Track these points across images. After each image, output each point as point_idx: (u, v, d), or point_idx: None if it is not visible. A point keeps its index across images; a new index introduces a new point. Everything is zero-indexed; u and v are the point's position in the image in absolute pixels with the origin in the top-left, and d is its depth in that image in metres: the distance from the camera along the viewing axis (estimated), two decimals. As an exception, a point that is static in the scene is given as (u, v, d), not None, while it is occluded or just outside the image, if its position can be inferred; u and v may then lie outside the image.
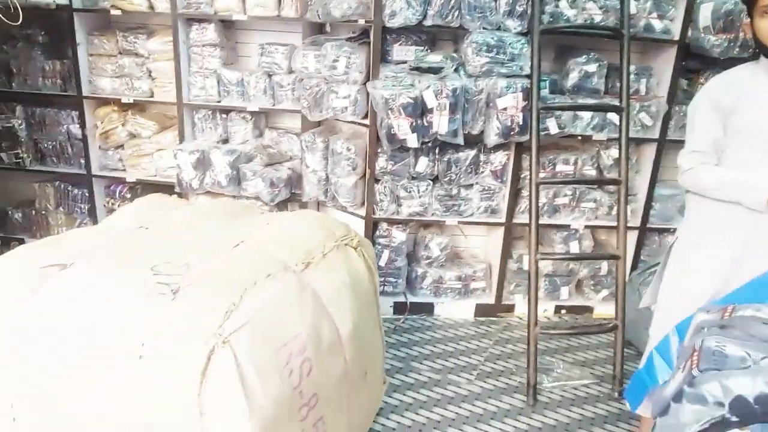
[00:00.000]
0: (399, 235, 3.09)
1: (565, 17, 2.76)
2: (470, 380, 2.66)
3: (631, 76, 2.84)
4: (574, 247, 3.19)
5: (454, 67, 2.79)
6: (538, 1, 2.57)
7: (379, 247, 3.07)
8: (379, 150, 2.93)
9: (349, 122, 3.02)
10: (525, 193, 3.06)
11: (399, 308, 3.19)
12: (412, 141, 2.75)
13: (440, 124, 2.73)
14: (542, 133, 2.74)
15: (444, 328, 3.12)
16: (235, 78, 3.16)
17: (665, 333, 1.62)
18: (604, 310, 3.28)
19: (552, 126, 2.87)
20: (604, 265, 3.25)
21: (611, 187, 3.10)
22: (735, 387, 1.08)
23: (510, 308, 3.29)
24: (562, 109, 2.83)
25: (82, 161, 3.45)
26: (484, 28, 2.72)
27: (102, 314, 1.48)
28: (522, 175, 3.04)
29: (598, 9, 2.79)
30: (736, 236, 1.78)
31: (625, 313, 2.60)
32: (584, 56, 2.91)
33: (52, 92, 3.37)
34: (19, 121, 3.41)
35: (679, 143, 3.05)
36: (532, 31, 2.60)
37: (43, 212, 3.63)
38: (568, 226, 3.14)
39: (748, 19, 1.74)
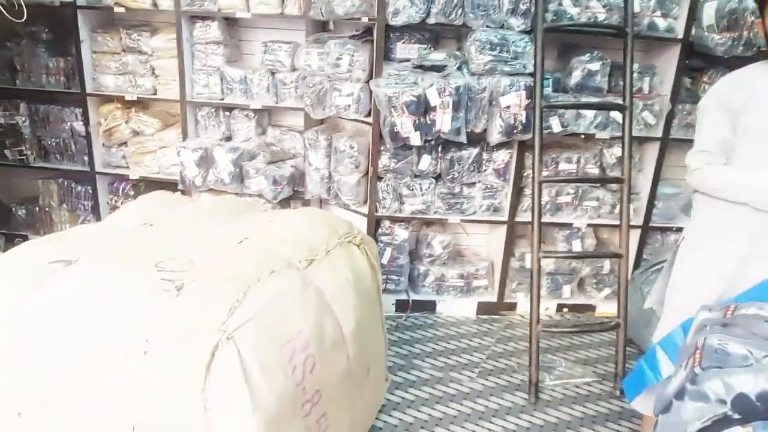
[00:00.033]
0: (401, 233, 3.09)
1: (569, 15, 2.76)
2: (472, 378, 2.66)
3: (635, 75, 2.84)
4: (577, 246, 3.19)
5: (457, 65, 2.79)
6: (541, 0, 2.58)
7: (382, 244, 3.07)
8: (381, 148, 2.93)
9: (352, 120, 3.02)
10: (527, 191, 3.07)
11: (401, 306, 3.20)
12: (415, 139, 2.75)
13: (443, 122, 2.73)
14: (545, 132, 2.74)
15: (446, 326, 3.12)
16: (239, 76, 3.17)
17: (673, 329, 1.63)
18: (606, 308, 3.28)
19: (555, 124, 2.87)
20: (606, 264, 3.26)
21: (614, 186, 3.10)
22: (737, 384, 1.08)
23: (512, 306, 3.30)
24: (566, 107, 2.83)
25: (86, 158, 3.46)
26: (487, 26, 2.72)
27: (106, 310, 1.49)
28: (525, 174, 3.04)
29: (601, 7, 2.79)
30: (741, 236, 1.78)
31: (627, 311, 2.61)
32: (587, 54, 2.91)
33: (56, 89, 3.39)
34: (23, 118, 3.43)
35: (682, 142, 3.09)
36: (536, 29, 2.60)
37: (47, 209, 3.65)
38: (571, 224, 3.14)
39: (761, 18, 1.73)
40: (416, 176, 3.02)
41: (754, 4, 1.77)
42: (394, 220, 3.09)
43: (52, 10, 3.17)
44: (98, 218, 3.51)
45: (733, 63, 2.90)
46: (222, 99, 3.25)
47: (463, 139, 2.80)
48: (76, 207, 3.59)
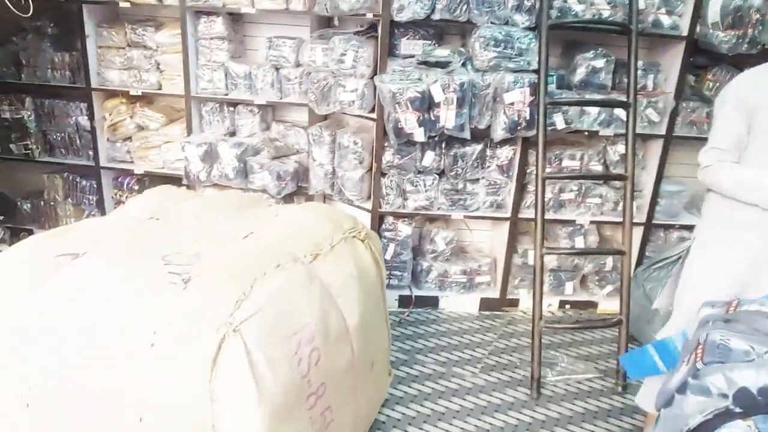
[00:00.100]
0: (405, 229, 3.10)
1: (573, 12, 2.76)
2: (474, 373, 2.68)
3: (639, 72, 2.84)
4: (580, 243, 3.20)
5: (461, 62, 2.79)
6: (546, -4, 2.58)
7: (385, 240, 3.08)
8: (385, 144, 2.94)
9: (356, 116, 3.03)
10: (531, 188, 3.07)
11: (404, 301, 3.21)
12: (419, 135, 2.76)
13: (447, 118, 2.74)
14: (549, 129, 2.75)
15: (449, 322, 3.14)
16: (243, 71, 3.18)
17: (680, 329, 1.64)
18: (608, 305, 3.29)
19: (559, 121, 2.88)
20: (609, 261, 3.27)
21: (617, 183, 3.11)
22: (739, 379, 1.09)
23: (514, 302, 3.31)
24: (569, 104, 2.84)
25: (91, 153, 3.48)
26: (491, 23, 2.73)
27: (113, 303, 1.51)
28: (528, 170, 3.05)
29: (606, 4, 2.78)
30: (750, 236, 1.78)
31: (630, 308, 2.62)
32: (592, 51, 2.91)
33: (61, 84, 3.40)
34: (29, 113, 3.44)
35: (686, 139, 3.09)
36: (540, 26, 2.61)
37: (52, 203, 3.67)
38: (574, 221, 3.15)
39: None
40: (420, 172, 3.03)
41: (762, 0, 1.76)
42: (398, 216, 3.10)
43: (58, 5, 3.18)
44: (103, 212, 3.53)
45: (737, 60, 2.91)
46: (226, 94, 3.26)
47: (466, 135, 2.80)
48: (81, 201, 3.61)
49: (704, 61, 3.02)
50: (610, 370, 2.73)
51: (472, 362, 2.77)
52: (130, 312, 1.48)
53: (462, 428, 2.31)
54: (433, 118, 2.75)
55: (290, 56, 3.16)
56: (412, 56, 2.89)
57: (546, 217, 2.69)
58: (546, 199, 2.99)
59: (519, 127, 2.80)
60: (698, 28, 2.84)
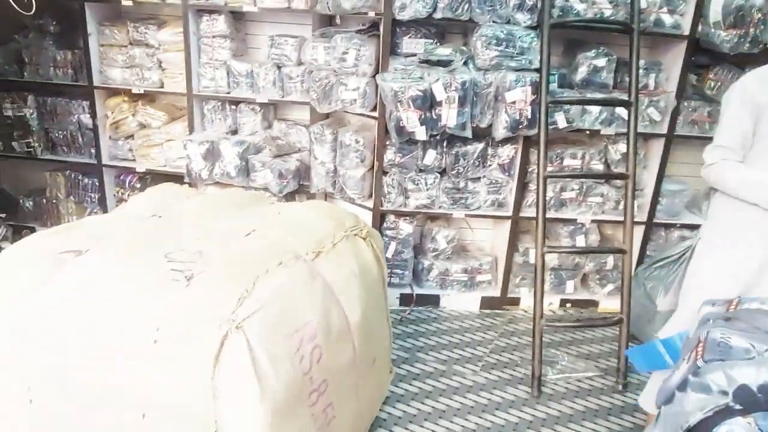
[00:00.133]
0: (406, 227, 3.11)
1: (575, 11, 2.77)
2: (475, 371, 2.68)
3: (640, 71, 2.84)
4: (581, 241, 3.21)
5: (463, 60, 2.79)
6: (548, -5, 2.58)
7: (386, 239, 3.09)
8: (387, 142, 2.95)
9: (357, 114, 3.03)
10: (532, 186, 3.08)
11: (405, 300, 3.22)
12: (421, 134, 2.76)
13: (449, 117, 2.74)
14: (550, 127, 2.76)
15: (450, 320, 3.14)
16: (245, 69, 3.19)
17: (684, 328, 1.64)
18: (608, 304, 3.30)
19: (560, 120, 2.88)
20: (610, 260, 3.27)
21: (618, 182, 3.11)
22: (739, 376, 1.10)
23: (515, 301, 3.32)
24: (571, 103, 2.84)
25: (93, 151, 3.48)
26: (493, 22, 2.73)
27: (117, 300, 1.51)
28: (529, 169, 3.05)
29: (608, 3, 2.78)
30: (751, 236, 1.78)
31: (630, 307, 2.62)
32: (593, 50, 2.91)
33: (64, 82, 3.41)
34: (31, 111, 3.45)
35: (687, 139, 3.09)
36: (542, 24, 2.61)
37: (54, 201, 3.68)
38: (575, 220, 3.15)
39: None
40: (421, 171, 3.04)
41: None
42: (399, 214, 3.10)
43: (60, 3, 3.19)
44: (105, 210, 3.54)
45: (739, 60, 2.91)
46: (228, 93, 3.26)
47: (468, 134, 2.81)
48: (83, 199, 3.62)
49: (706, 60, 3.02)
50: (610, 369, 2.74)
51: (473, 360, 2.77)
52: (133, 309, 1.49)
53: (463, 426, 2.32)
54: (434, 117, 2.75)
55: (292, 55, 3.16)
56: (414, 55, 2.89)
57: (547, 215, 2.69)
58: (547, 198, 3.00)
59: (520, 126, 2.80)
60: (700, 28, 2.84)
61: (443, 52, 2.83)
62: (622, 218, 2.73)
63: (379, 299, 2.09)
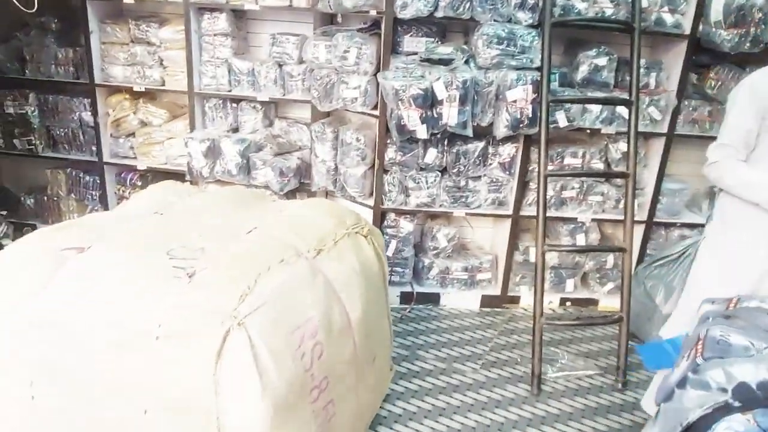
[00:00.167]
0: (407, 226, 3.12)
1: (576, 10, 2.77)
2: (475, 369, 2.69)
3: (641, 70, 2.84)
4: (581, 240, 3.21)
5: (464, 59, 2.80)
6: (549, -6, 2.58)
7: (387, 237, 3.09)
8: (388, 141, 2.95)
9: (358, 113, 3.04)
10: (533, 185, 3.08)
11: (406, 298, 3.23)
12: (422, 132, 2.77)
13: (450, 115, 2.74)
14: (551, 126, 2.76)
15: (450, 318, 3.15)
16: (246, 68, 3.19)
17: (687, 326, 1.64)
18: (608, 302, 3.31)
19: (561, 119, 2.88)
20: (610, 259, 3.28)
21: (618, 181, 3.12)
22: (738, 374, 1.11)
23: (515, 299, 3.32)
24: (572, 102, 2.84)
25: (94, 148, 3.49)
26: (495, 20, 2.73)
27: (119, 296, 1.52)
28: (530, 168, 3.05)
29: (609, 2, 2.79)
30: (757, 237, 1.79)
31: (630, 306, 2.63)
32: (594, 49, 2.91)
33: (65, 80, 3.42)
34: (32, 108, 3.46)
35: (688, 138, 3.10)
36: (543, 23, 2.61)
37: (55, 198, 3.68)
38: (575, 218, 3.16)
39: None
40: (422, 169, 3.04)
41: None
42: (400, 212, 3.11)
43: (62, 1, 3.19)
44: (106, 208, 3.55)
45: (740, 59, 2.92)
46: (229, 91, 3.27)
47: (469, 132, 2.81)
48: (84, 197, 3.62)
49: (706, 59, 3.03)
50: (610, 367, 2.75)
51: (473, 358, 2.78)
52: (136, 305, 1.49)
53: (463, 423, 2.33)
54: (435, 116, 2.76)
55: (293, 53, 3.17)
56: (415, 53, 2.90)
57: (547, 214, 2.70)
58: (548, 197, 3.01)
59: (521, 125, 2.81)
60: (701, 27, 2.84)
61: (444, 50, 2.84)
62: (622, 217, 2.74)
63: (379, 297, 2.10)
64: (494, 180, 3.08)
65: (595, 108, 2.92)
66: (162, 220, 1.93)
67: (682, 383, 1.20)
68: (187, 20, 3.10)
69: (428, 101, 2.72)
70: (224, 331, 1.37)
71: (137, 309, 1.49)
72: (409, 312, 3.18)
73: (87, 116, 3.46)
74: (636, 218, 2.82)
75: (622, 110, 2.91)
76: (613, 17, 2.78)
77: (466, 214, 3.13)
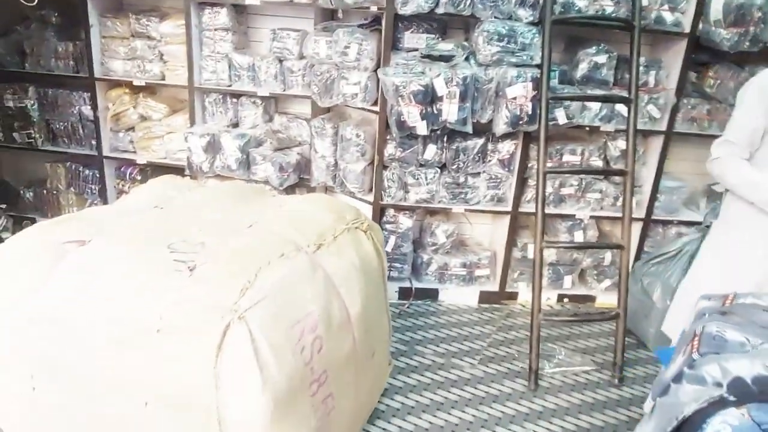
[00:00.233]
0: (406, 222, 3.13)
1: (577, 8, 2.77)
2: (473, 364, 2.71)
3: (641, 68, 2.85)
4: (579, 237, 3.23)
5: (464, 56, 2.80)
6: (550, -9, 2.59)
7: (386, 232, 3.10)
8: (388, 137, 2.96)
9: (359, 109, 3.04)
10: (531, 182, 3.09)
11: (404, 293, 3.24)
12: (422, 128, 2.78)
13: (450, 112, 2.75)
14: (551, 123, 2.77)
15: (448, 314, 3.17)
16: (246, 63, 3.19)
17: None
18: (605, 299, 3.32)
19: (560, 116, 2.89)
20: (608, 255, 3.29)
21: (617, 178, 3.13)
22: (733, 368, 1.12)
23: (513, 296, 3.34)
24: (571, 99, 2.85)
25: (94, 142, 3.49)
26: (495, 17, 2.74)
27: (120, 289, 1.53)
28: (529, 165, 3.06)
29: (609, 0, 2.79)
30: (747, 236, 1.80)
31: (627, 302, 2.64)
32: (594, 47, 2.92)
33: (65, 73, 3.41)
34: (32, 102, 3.45)
35: (687, 136, 3.11)
36: (544, 21, 2.62)
37: (55, 192, 3.68)
38: (574, 215, 3.17)
39: None
40: (421, 165, 3.05)
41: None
42: (399, 208, 3.12)
43: (62, -6, 3.18)
44: (105, 202, 3.55)
45: (739, 58, 2.92)
46: (229, 85, 3.27)
47: (469, 129, 2.82)
48: (84, 191, 3.62)
49: (706, 58, 3.04)
50: (607, 363, 2.76)
51: (471, 354, 2.80)
52: (136, 299, 1.50)
53: (460, 418, 2.34)
54: (435, 112, 2.76)
55: (294, 48, 3.16)
56: (416, 50, 2.90)
57: (546, 211, 2.71)
58: (546, 194, 3.02)
59: (521, 122, 2.81)
60: (700, 26, 2.85)
61: (445, 47, 2.84)
62: (620, 214, 2.75)
63: (379, 292, 2.11)
64: (493, 177, 3.09)
65: (595, 105, 2.93)
66: (162, 215, 1.93)
67: (677, 378, 1.22)
68: (187, 15, 3.09)
69: (428, 97, 2.72)
70: (225, 325, 1.38)
71: (138, 302, 1.49)
72: (408, 307, 3.19)
73: (87, 110, 3.46)
74: (634, 216, 2.83)
75: (621, 108, 2.91)
76: (614, 15, 2.79)
77: (465, 210, 3.14)
